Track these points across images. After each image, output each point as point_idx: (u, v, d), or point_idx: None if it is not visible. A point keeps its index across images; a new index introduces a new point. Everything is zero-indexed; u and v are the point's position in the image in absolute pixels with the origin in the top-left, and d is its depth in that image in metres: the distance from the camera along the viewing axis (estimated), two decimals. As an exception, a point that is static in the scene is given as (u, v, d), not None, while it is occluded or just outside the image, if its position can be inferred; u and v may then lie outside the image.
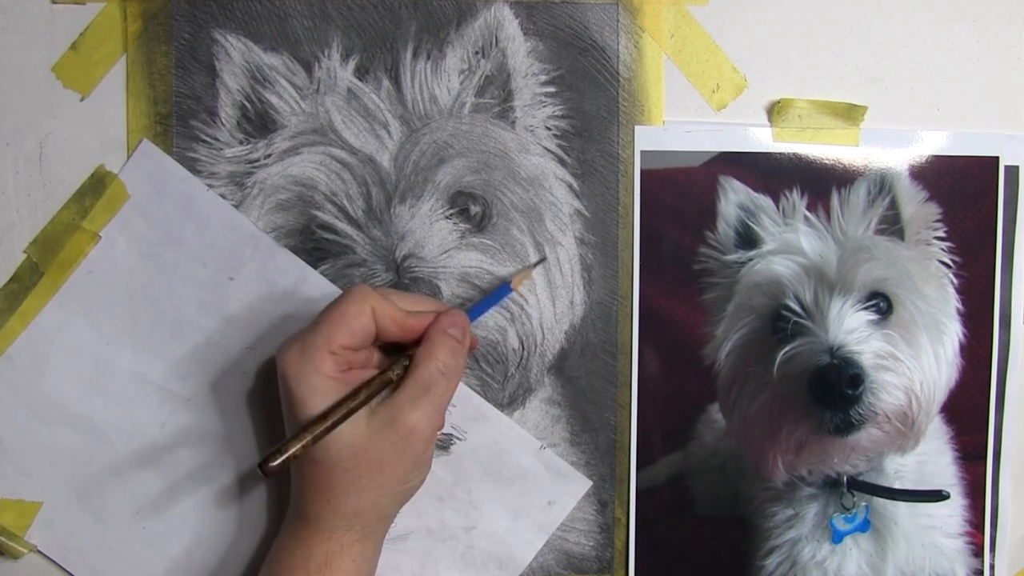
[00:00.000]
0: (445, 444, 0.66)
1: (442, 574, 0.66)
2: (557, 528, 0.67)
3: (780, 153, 0.66)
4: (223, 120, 0.64)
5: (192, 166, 0.64)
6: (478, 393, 0.66)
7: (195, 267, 0.64)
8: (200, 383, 0.65)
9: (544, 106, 0.65)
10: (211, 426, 0.65)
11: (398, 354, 0.59)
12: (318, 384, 0.56)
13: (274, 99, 0.64)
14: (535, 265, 0.65)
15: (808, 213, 0.66)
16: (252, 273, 0.65)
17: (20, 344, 0.64)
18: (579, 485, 0.67)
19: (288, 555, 0.58)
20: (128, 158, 0.64)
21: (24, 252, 0.64)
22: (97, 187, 0.64)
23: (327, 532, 0.57)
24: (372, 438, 0.56)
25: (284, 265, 0.65)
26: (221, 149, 0.65)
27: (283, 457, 0.54)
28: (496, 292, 0.64)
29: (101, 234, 0.64)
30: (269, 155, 0.64)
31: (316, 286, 0.64)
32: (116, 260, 0.64)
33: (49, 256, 0.64)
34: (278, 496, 0.65)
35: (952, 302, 0.67)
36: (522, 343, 0.66)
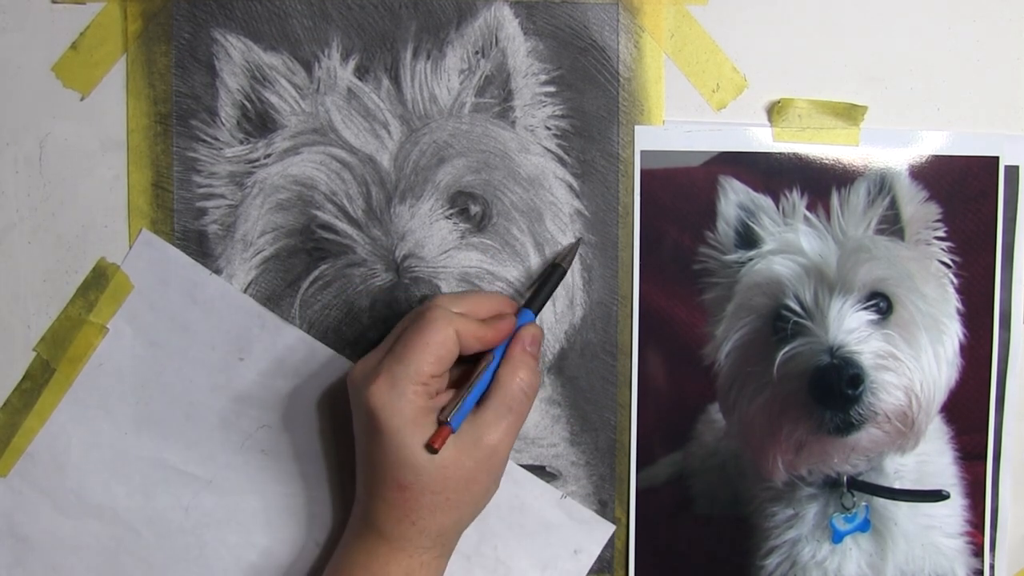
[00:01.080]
0: None
1: None
2: (557, 528, 0.67)
3: (780, 153, 0.66)
4: (223, 120, 0.64)
5: (192, 166, 0.64)
6: (478, 393, 0.66)
7: (204, 351, 0.65)
8: (220, 464, 0.65)
9: (544, 106, 0.65)
10: (234, 506, 0.65)
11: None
12: (412, 415, 0.56)
13: (274, 99, 0.64)
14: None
15: (808, 213, 0.66)
16: (261, 352, 0.65)
17: (40, 441, 0.65)
18: (603, 530, 0.67)
19: (362, 569, 0.58)
20: (129, 249, 0.64)
21: (34, 350, 0.65)
22: (100, 280, 0.64)
23: (408, 551, 0.57)
24: (459, 458, 0.56)
25: (292, 342, 0.65)
26: (221, 149, 0.65)
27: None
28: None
29: (108, 326, 0.64)
30: (269, 155, 0.64)
31: (326, 361, 0.65)
32: (125, 351, 0.65)
33: (59, 352, 0.65)
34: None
35: (952, 302, 0.67)
36: (522, 343, 0.66)
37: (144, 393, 0.65)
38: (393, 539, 0.57)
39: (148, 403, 0.65)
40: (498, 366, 0.59)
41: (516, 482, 0.66)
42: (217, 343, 0.65)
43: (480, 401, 0.58)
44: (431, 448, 0.55)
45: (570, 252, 0.64)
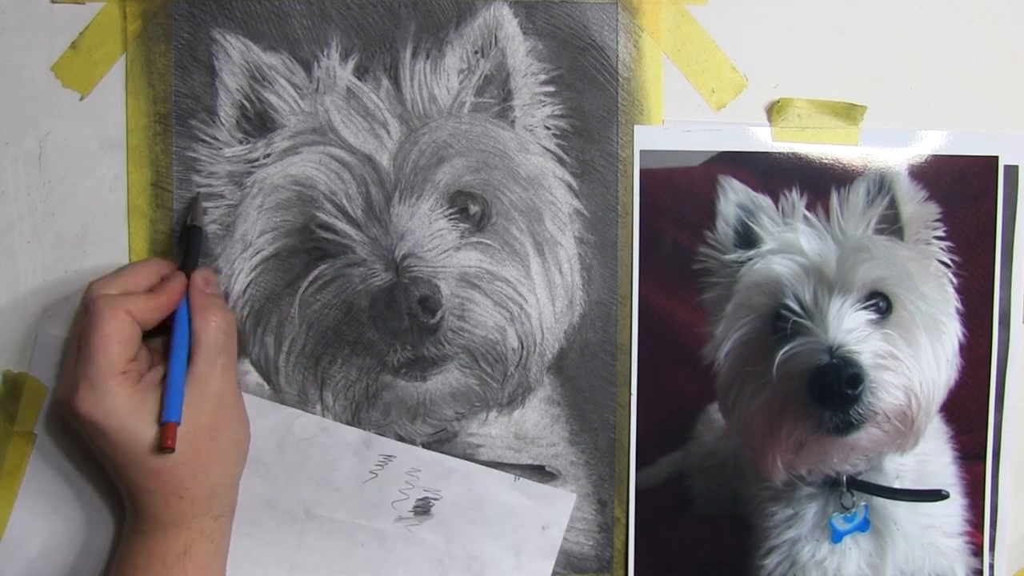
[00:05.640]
0: (425, 508, 0.66)
1: None
2: (556, 528, 0.67)
3: (780, 153, 0.66)
4: (222, 119, 0.64)
5: (192, 165, 0.64)
6: (477, 392, 0.66)
7: None
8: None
9: (543, 105, 0.65)
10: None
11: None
12: (128, 407, 0.56)
13: (273, 99, 0.64)
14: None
15: (808, 213, 0.66)
16: None
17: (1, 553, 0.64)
18: (565, 501, 0.67)
19: (142, 554, 0.58)
20: (32, 354, 0.64)
21: None
22: (14, 391, 0.64)
23: (185, 525, 0.58)
24: (192, 418, 0.57)
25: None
26: (220, 148, 0.65)
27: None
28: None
29: (35, 432, 0.64)
30: (268, 154, 0.64)
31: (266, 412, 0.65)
32: (60, 450, 0.64)
33: None
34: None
35: (952, 302, 0.67)
36: (521, 343, 0.66)
37: (89, 484, 0.64)
38: (168, 519, 0.58)
39: (98, 489, 0.64)
40: (190, 321, 0.59)
41: (465, 476, 0.65)
42: None
43: (189, 356, 0.58)
44: (167, 449, 0.55)
45: (197, 209, 0.64)
